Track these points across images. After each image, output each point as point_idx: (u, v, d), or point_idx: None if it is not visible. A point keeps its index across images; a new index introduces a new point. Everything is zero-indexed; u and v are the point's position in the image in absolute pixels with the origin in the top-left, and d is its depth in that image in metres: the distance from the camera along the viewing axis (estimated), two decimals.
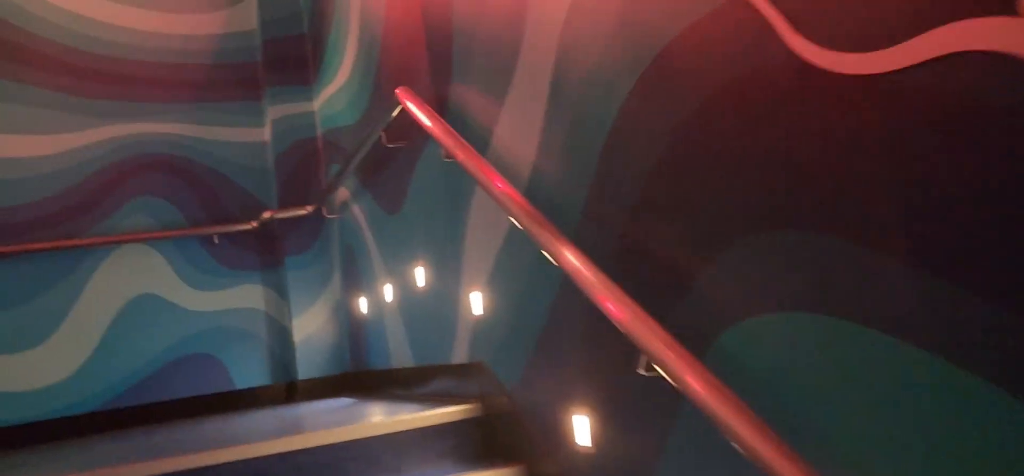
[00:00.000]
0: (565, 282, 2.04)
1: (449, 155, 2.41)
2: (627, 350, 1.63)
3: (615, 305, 1.60)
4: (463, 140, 2.40)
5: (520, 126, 2.26)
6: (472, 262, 2.64)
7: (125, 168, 4.22)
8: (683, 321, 1.59)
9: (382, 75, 3.40)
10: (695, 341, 1.51)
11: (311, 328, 4.27)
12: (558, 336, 2.13)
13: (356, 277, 4.05)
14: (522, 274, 2.31)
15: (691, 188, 1.56)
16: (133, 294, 4.15)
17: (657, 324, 1.51)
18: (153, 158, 4.28)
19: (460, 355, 2.80)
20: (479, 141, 2.45)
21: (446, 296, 2.88)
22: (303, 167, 4.40)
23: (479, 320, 2.62)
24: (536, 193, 2.16)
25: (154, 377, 4.13)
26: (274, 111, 4.39)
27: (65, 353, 3.99)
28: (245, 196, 4.42)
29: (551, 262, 1.88)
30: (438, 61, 2.80)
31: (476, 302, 2.60)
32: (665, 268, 1.65)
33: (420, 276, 3.12)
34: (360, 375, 4.10)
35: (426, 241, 3.06)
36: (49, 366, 3.95)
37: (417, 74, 2.98)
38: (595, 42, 1.86)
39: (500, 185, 2.11)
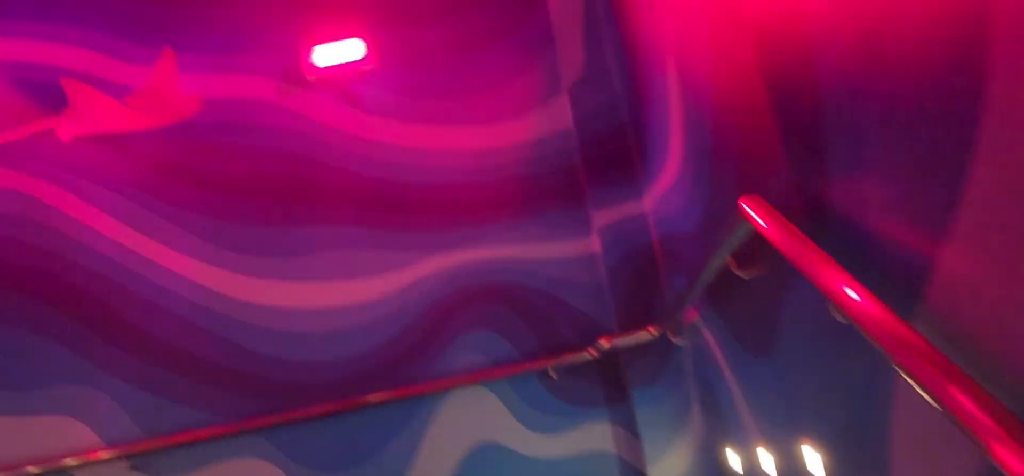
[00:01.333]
0: None
1: (842, 315, 1.38)
2: None
3: None
4: (861, 286, 1.35)
5: (1005, 249, 1.16)
6: None
7: (448, 303, 3.80)
8: None
9: (717, 171, 2.44)
10: None
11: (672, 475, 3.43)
12: None
13: (721, 421, 3.08)
14: None
15: None
16: (471, 444, 3.69)
17: None
18: (475, 287, 3.81)
19: None
20: (902, 284, 1.38)
21: None
22: (641, 280, 3.61)
23: None
24: None
25: None
26: (601, 217, 3.69)
27: None
28: (578, 318, 3.76)
29: None
30: (801, 141, 1.79)
31: None
32: None
33: (812, 463, 2.06)
34: None
35: (816, 414, 2.00)
36: None
37: (769, 167, 1.98)
38: None
39: (964, 400, 1.03)
